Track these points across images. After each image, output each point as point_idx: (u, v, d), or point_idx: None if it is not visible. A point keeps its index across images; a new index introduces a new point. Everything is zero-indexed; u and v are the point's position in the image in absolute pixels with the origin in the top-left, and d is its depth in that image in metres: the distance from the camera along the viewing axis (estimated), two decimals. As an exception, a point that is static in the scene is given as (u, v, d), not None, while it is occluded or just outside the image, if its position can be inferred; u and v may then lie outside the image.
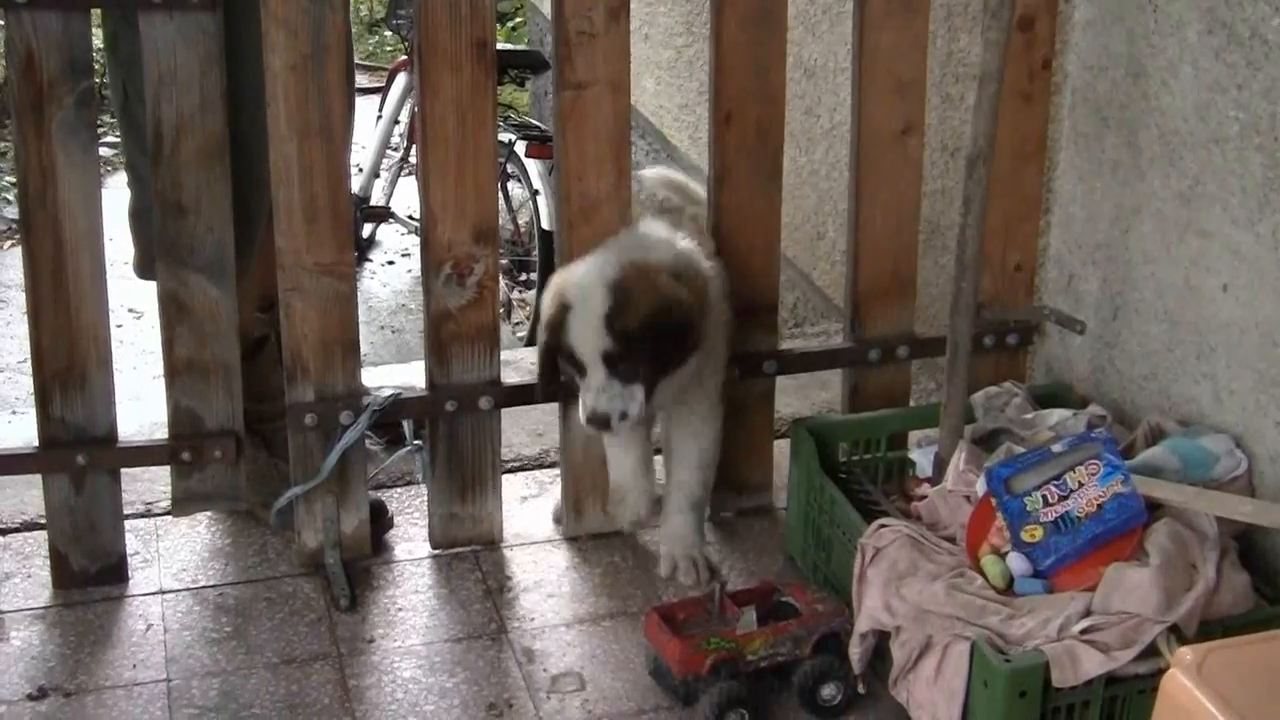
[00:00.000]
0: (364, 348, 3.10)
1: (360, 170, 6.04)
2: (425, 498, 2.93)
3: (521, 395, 2.88)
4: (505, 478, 2.96)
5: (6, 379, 4.86)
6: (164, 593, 2.76)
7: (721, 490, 2.94)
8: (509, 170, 5.39)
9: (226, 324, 2.70)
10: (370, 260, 6.24)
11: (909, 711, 2.32)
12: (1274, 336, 2.44)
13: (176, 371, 2.71)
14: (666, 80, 5.03)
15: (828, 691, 2.44)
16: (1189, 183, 2.60)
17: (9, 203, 6.33)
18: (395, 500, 3.05)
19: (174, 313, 2.68)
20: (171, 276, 2.67)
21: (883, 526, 2.46)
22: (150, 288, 2.77)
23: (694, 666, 2.39)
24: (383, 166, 6.28)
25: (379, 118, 6.33)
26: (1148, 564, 2.25)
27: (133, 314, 5.07)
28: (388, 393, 2.79)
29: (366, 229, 6.26)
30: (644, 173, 3.40)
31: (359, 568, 2.83)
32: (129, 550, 2.80)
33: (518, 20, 9.02)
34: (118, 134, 3.17)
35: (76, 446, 2.68)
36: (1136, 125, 2.71)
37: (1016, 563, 2.35)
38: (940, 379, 2.81)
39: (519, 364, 3.74)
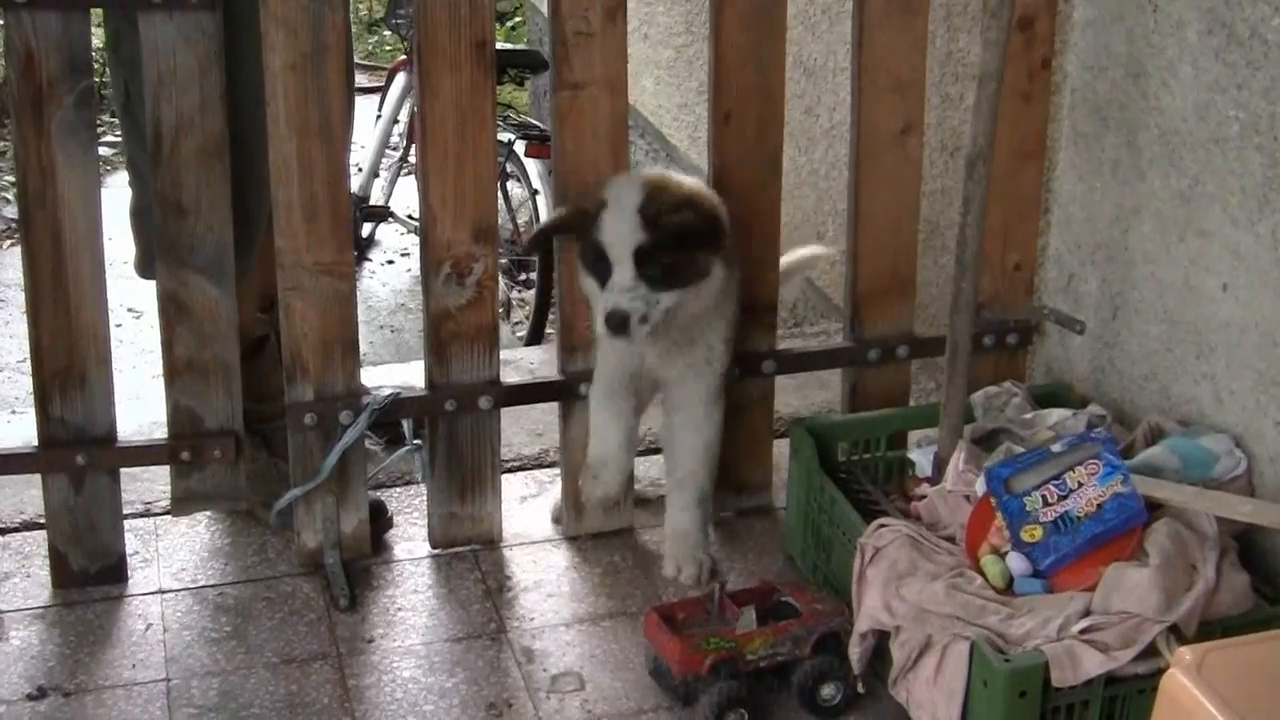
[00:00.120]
0: (363, 347, 3.10)
1: (360, 170, 6.04)
2: (425, 497, 2.93)
3: (521, 395, 2.89)
4: (505, 477, 2.96)
5: (6, 379, 4.86)
6: (163, 592, 2.76)
7: (721, 490, 2.93)
8: (508, 170, 5.38)
9: (226, 324, 2.70)
10: (370, 260, 6.24)
11: (909, 711, 2.31)
12: (1274, 336, 2.44)
13: (176, 371, 2.71)
14: (666, 79, 5.03)
15: (827, 691, 2.44)
16: (1189, 182, 2.60)
17: (9, 202, 6.33)
18: (395, 500, 3.05)
19: (174, 312, 2.68)
20: (171, 276, 2.67)
21: (882, 526, 2.46)
22: (150, 287, 2.76)
23: (694, 666, 2.39)
24: (382, 166, 6.28)
25: (378, 117, 6.32)
26: (1147, 564, 2.24)
27: (132, 313, 5.07)
28: (387, 392, 2.79)
29: (366, 228, 6.26)
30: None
31: (358, 567, 2.83)
32: (128, 550, 2.80)
33: (517, 20, 9.03)
34: (118, 133, 3.17)
35: (76, 446, 2.68)
36: (1136, 125, 2.71)
37: (1016, 562, 2.35)
38: (940, 379, 2.81)
39: (518, 364, 3.75)
